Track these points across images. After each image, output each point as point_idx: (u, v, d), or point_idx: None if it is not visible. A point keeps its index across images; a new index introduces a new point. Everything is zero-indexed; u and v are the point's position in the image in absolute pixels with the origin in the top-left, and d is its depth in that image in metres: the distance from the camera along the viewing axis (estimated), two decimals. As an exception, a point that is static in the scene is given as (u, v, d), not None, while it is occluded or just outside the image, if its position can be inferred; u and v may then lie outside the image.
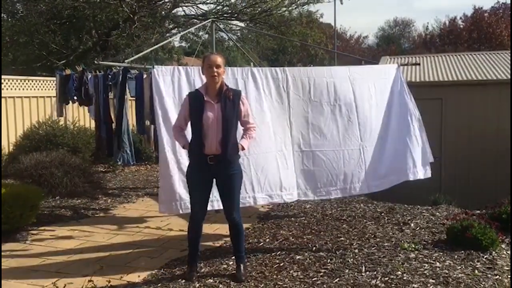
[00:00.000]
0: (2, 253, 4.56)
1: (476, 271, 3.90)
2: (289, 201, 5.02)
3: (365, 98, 5.26)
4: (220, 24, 9.95)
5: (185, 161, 4.39)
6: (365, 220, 5.47)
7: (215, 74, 3.65)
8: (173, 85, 4.55)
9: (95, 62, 5.39)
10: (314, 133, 5.05)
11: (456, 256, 4.24)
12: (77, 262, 4.35)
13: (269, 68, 5.18)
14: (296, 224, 5.40)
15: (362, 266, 4.02)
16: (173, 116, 4.40)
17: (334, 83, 5.16)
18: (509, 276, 3.83)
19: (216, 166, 3.69)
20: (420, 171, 5.23)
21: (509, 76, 8.87)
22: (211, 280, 3.76)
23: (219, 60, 3.69)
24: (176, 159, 4.38)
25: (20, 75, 10.06)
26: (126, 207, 6.53)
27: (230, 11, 15.10)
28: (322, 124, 5.09)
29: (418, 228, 5.14)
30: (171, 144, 4.36)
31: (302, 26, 16.57)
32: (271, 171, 4.76)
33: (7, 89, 8.93)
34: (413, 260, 4.16)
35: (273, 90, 4.95)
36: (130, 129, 6.36)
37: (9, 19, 13.34)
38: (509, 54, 10.70)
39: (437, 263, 4.07)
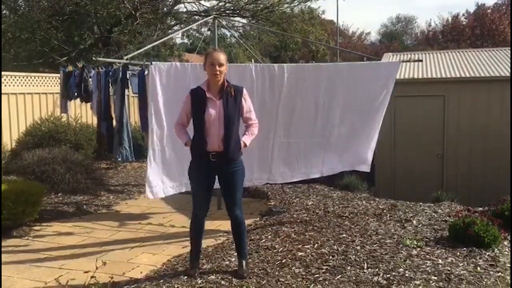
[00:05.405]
0: (5, 249, 4.58)
1: (478, 268, 3.90)
2: (258, 184, 5.69)
3: (351, 97, 5.57)
4: (222, 20, 9.94)
5: (170, 151, 4.81)
6: (367, 217, 5.46)
7: (217, 72, 3.63)
8: (169, 81, 4.67)
9: (93, 58, 5.42)
10: (296, 126, 5.41)
11: (458, 253, 4.23)
12: (79, 258, 4.37)
13: (267, 64, 5.30)
14: (298, 220, 5.39)
15: (364, 263, 4.02)
16: (166, 110, 4.67)
17: (328, 81, 5.37)
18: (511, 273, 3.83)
19: (218, 163, 3.68)
20: (367, 165, 5.87)
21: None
22: (213, 277, 3.77)
23: (222, 58, 3.66)
24: (162, 148, 4.78)
25: (22, 71, 10.07)
26: (128, 204, 6.55)
27: (232, 8, 15.06)
28: (306, 118, 5.44)
29: (420, 225, 5.13)
30: (159, 135, 4.72)
31: (304, 23, 16.52)
32: (246, 160, 4.92)
33: (9, 85, 8.94)
34: (415, 257, 4.16)
35: (267, 85, 5.17)
36: (130, 126, 6.37)
37: (11, 16, 13.34)
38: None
39: (439, 260, 4.07)
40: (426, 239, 4.63)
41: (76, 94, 6.73)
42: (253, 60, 7.44)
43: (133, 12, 12.78)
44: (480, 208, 5.53)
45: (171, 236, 5.01)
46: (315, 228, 5.08)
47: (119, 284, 3.70)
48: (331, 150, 5.67)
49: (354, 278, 3.73)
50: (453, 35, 32.16)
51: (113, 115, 6.34)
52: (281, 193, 6.80)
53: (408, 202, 6.17)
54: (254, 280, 3.69)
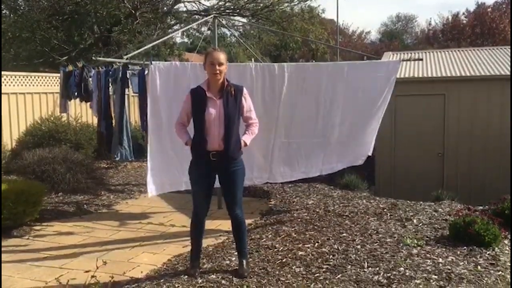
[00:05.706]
0: (5, 249, 4.58)
1: (479, 267, 3.90)
2: (258, 183, 5.74)
3: (352, 96, 5.58)
4: (222, 20, 9.92)
5: (170, 151, 4.81)
6: (367, 216, 5.46)
7: (217, 71, 3.63)
8: (169, 80, 4.68)
9: (93, 58, 5.43)
10: (297, 126, 5.43)
11: (458, 252, 4.23)
12: (80, 258, 4.37)
13: (267, 63, 5.31)
14: (299, 220, 5.39)
15: (364, 262, 4.02)
16: (166, 110, 4.69)
17: (328, 80, 5.39)
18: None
19: (218, 162, 3.68)
20: (362, 159, 5.94)
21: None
22: (214, 276, 3.77)
23: (222, 57, 3.67)
24: (162, 148, 4.79)
25: (22, 71, 10.07)
26: (128, 203, 6.55)
27: (232, 7, 15.08)
28: (306, 117, 5.46)
29: (420, 224, 5.13)
30: (159, 134, 4.75)
31: (304, 21, 16.53)
32: (246, 160, 4.97)
33: (10, 85, 8.94)
34: (416, 256, 4.16)
35: (267, 84, 5.20)
36: (130, 125, 6.38)
37: (11, 15, 13.35)
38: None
39: (440, 259, 4.07)
40: (427, 238, 4.63)
41: (76, 93, 6.73)
42: (253, 59, 7.45)
43: (133, 12, 12.79)
44: (481, 207, 5.53)
45: (172, 235, 5.01)
46: (315, 227, 5.08)
47: (120, 284, 3.70)
48: (331, 150, 5.68)
49: (354, 277, 3.73)
50: (453, 34, 32.10)
51: (113, 115, 6.34)
52: (281, 192, 6.81)
53: (408, 201, 6.17)
54: (255, 280, 3.69)
